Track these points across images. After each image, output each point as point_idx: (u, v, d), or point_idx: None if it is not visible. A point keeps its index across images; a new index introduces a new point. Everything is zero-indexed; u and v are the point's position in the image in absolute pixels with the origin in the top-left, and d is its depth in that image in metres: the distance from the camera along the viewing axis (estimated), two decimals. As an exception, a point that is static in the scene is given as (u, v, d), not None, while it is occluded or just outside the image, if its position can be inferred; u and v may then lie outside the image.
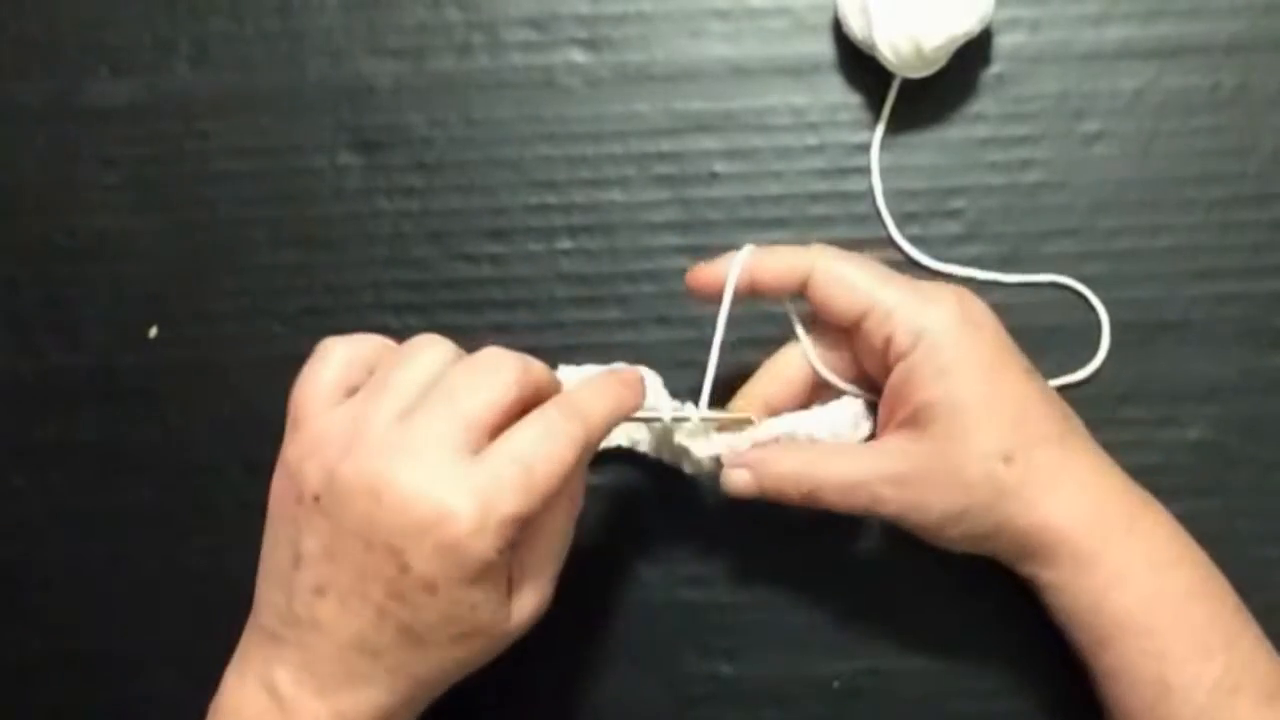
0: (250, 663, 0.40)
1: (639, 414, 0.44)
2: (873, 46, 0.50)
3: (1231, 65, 0.51)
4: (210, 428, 0.52)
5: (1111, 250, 0.51)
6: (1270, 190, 0.51)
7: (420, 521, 0.37)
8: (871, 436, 0.46)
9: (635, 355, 0.50)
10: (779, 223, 0.52)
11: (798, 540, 0.49)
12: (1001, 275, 0.51)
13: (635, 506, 0.51)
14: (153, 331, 0.53)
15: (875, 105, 0.52)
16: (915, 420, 0.43)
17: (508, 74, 0.53)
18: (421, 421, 0.38)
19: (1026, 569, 0.44)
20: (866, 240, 0.51)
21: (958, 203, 0.52)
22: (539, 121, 0.53)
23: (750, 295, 0.45)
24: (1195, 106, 0.51)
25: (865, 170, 0.52)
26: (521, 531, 0.39)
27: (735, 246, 0.50)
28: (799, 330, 0.46)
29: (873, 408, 0.46)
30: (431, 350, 0.41)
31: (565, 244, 0.52)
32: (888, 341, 0.43)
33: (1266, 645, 0.43)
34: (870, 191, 0.52)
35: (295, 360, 0.42)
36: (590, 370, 0.49)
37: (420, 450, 0.38)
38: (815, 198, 0.52)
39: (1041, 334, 0.48)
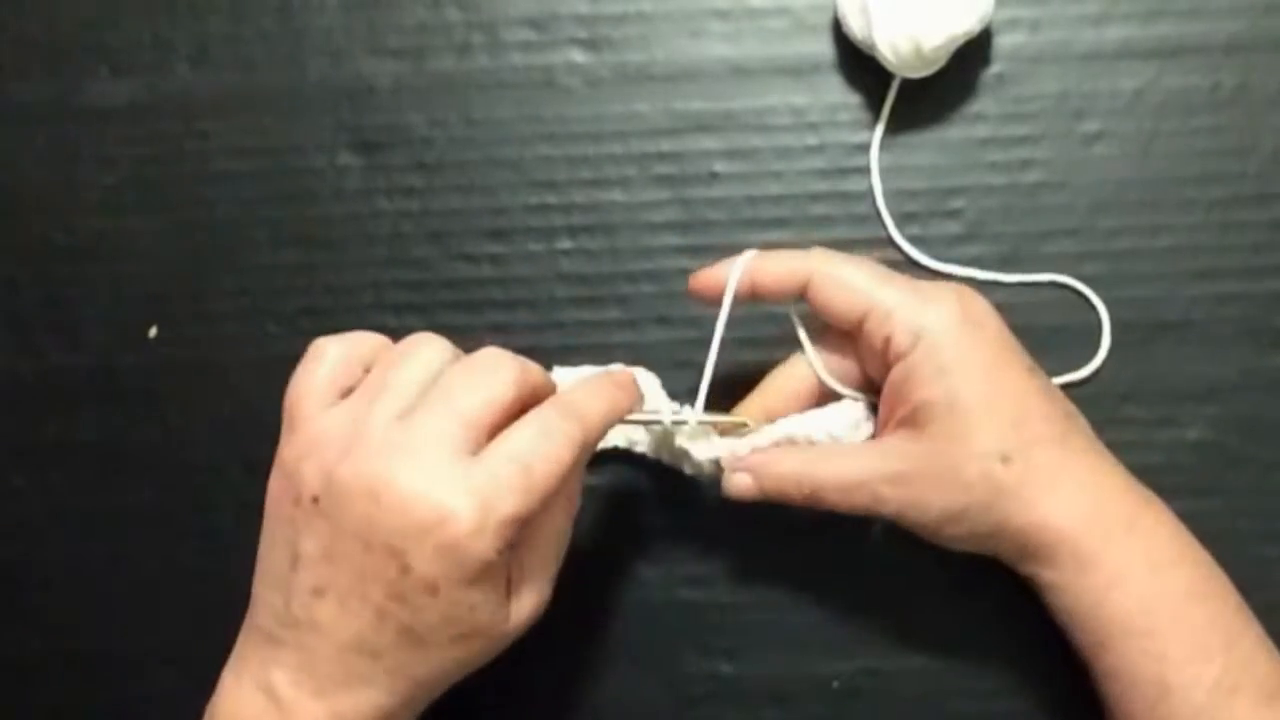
0: (247, 664, 0.40)
1: (636, 416, 0.45)
2: (873, 46, 0.50)
3: (1231, 65, 0.51)
4: (210, 428, 0.52)
5: (1111, 250, 0.51)
6: (1270, 190, 0.51)
7: (420, 522, 0.37)
8: (872, 438, 0.46)
9: (635, 355, 0.50)
10: (779, 223, 0.52)
11: (798, 540, 0.49)
12: (1001, 275, 0.51)
13: (635, 506, 0.51)
14: (153, 331, 0.53)
15: (875, 105, 0.52)
16: (914, 419, 0.43)
17: (508, 74, 0.53)
18: (420, 422, 0.38)
19: (1027, 569, 0.44)
20: (866, 240, 0.51)
21: (958, 203, 0.52)
22: (539, 121, 0.53)
23: (751, 299, 0.45)
24: (1195, 106, 0.51)
25: (865, 170, 0.52)
26: (521, 531, 0.39)
27: (735, 246, 0.50)
28: (802, 335, 0.46)
29: (873, 409, 0.46)
30: (429, 349, 0.41)
31: (565, 244, 0.52)
32: (887, 342, 0.43)
33: (1268, 645, 0.43)
34: (870, 191, 0.52)
35: (294, 360, 0.42)
36: (587, 371, 0.49)
37: (419, 451, 0.38)
38: (815, 198, 0.52)
39: (1041, 334, 0.48)
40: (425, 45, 0.54)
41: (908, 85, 0.51)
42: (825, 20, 0.53)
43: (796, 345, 0.47)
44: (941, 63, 0.50)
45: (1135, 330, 0.50)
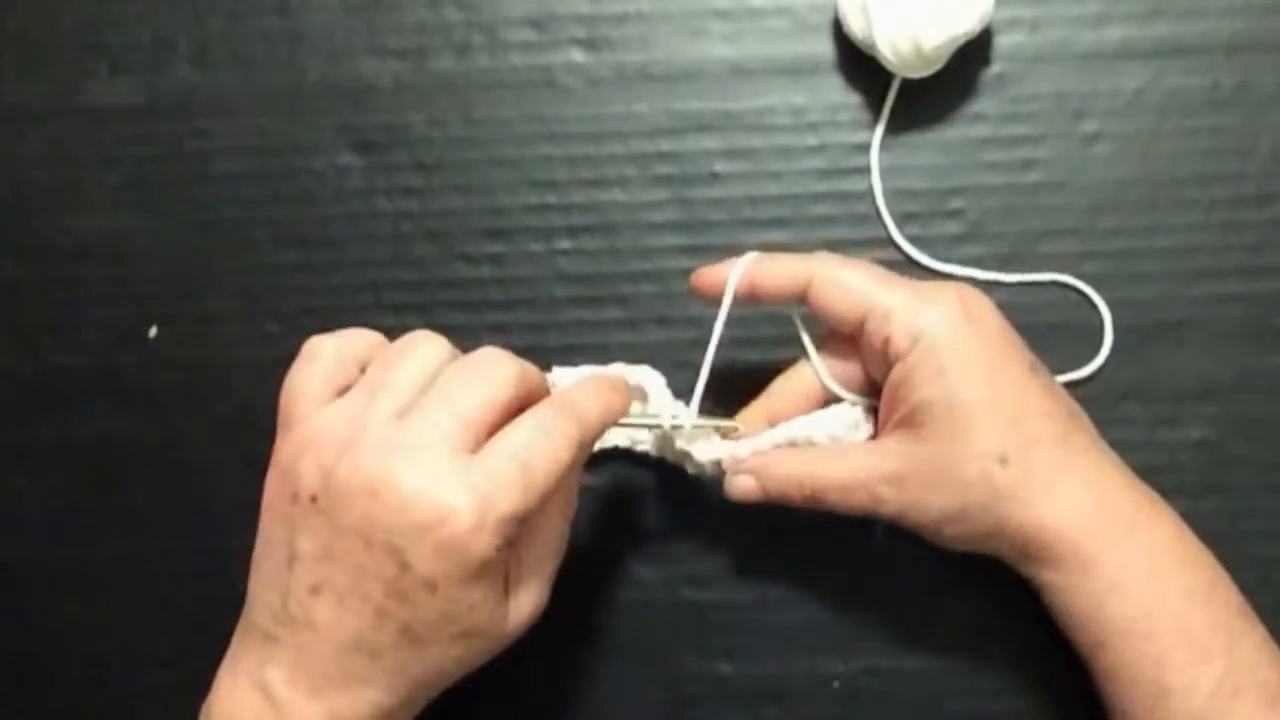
0: (242, 663, 0.40)
1: (632, 420, 0.45)
2: (873, 46, 0.50)
3: (1231, 65, 0.51)
4: (210, 428, 0.52)
5: (1111, 250, 0.51)
6: (1270, 190, 0.51)
7: (420, 520, 0.37)
8: (873, 439, 0.46)
9: (635, 355, 0.50)
10: (779, 223, 0.52)
11: (798, 540, 0.49)
12: (1002, 275, 0.51)
13: (635, 506, 0.51)
14: (153, 331, 0.53)
15: (875, 105, 0.52)
16: (913, 420, 0.43)
17: (508, 74, 0.53)
18: (419, 419, 0.38)
19: (1026, 569, 0.44)
20: (866, 240, 0.51)
21: (958, 203, 0.52)
22: (539, 121, 0.53)
23: (751, 300, 0.45)
24: (1195, 106, 0.51)
25: (865, 170, 0.52)
26: (520, 529, 0.39)
27: (735, 246, 0.50)
28: (805, 338, 0.46)
29: (873, 411, 0.46)
30: (427, 347, 0.41)
31: (565, 244, 0.52)
32: (887, 343, 0.43)
33: (1271, 648, 0.43)
34: (870, 191, 0.52)
35: (294, 360, 0.42)
36: (586, 371, 0.49)
37: (419, 449, 0.38)
38: (815, 198, 0.52)
39: (1041, 334, 0.48)
40: (425, 45, 0.54)
41: (908, 85, 0.51)
42: (825, 20, 0.53)
43: (797, 345, 0.47)
44: (941, 63, 0.50)
45: (1135, 330, 0.50)
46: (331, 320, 0.51)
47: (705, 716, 0.50)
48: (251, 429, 0.51)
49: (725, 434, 0.47)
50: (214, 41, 0.54)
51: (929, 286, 0.44)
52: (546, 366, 0.49)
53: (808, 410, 0.46)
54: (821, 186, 0.52)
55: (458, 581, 0.38)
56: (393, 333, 0.43)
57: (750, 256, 0.45)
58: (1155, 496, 0.44)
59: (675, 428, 0.46)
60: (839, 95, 0.52)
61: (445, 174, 0.53)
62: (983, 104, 0.52)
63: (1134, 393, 0.50)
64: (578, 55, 0.53)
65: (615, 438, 0.50)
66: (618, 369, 0.49)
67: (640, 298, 0.52)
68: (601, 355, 0.51)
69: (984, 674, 0.49)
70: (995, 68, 0.52)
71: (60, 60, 0.54)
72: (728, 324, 0.46)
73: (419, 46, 0.54)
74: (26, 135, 0.54)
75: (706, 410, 0.47)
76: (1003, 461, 0.42)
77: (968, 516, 0.43)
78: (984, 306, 0.44)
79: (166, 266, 0.53)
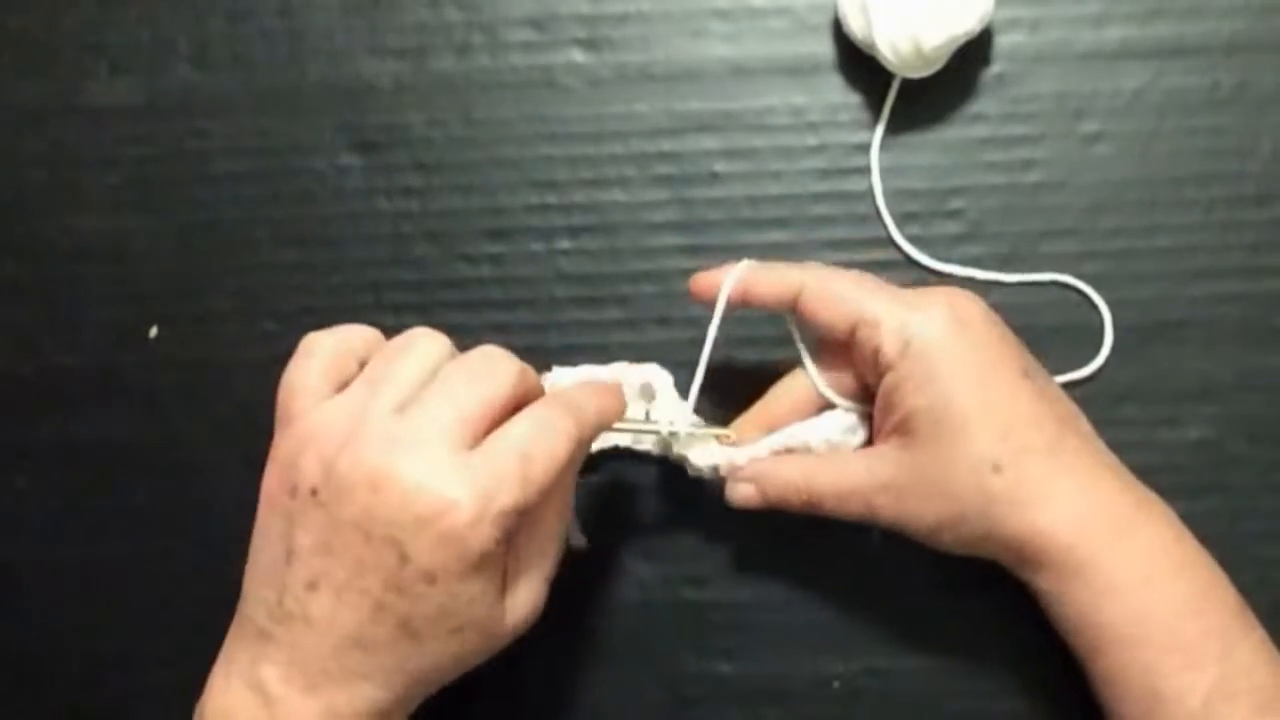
0: (236, 662, 0.40)
1: (628, 426, 0.46)
2: (873, 46, 0.50)
3: (1231, 65, 0.51)
4: (210, 428, 0.52)
5: (1111, 250, 0.51)
6: (1270, 190, 0.51)
7: (421, 513, 0.37)
8: (868, 443, 0.46)
9: (635, 355, 0.50)
10: (779, 223, 0.52)
11: (798, 540, 0.49)
12: (1002, 275, 0.51)
13: (635, 507, 0.51)
14: (153, 331, 0.53)
15: (875, 105, 0.52)
16: (905, 427, 0.43)
17: (508, 74, 0.53)
18: (420, 414, 0.39)
19: (1023, 574, 0.44)
20: (866, 240, 0.51)
21: (958, 203, 0.52)
22: (539, 121, 0.53)
23: (744, 306, 0.46)
24: (1195, 106, 0.51)
25: (865, 170, 0.52)
26: (519, 523, 0.39)
27: (735, 246, 0.50)
28: (800, 344, 0.47)
29: (868, 417, 0.46)
30: (428, 343, 0.41)
31: (565, 244, 0.52)
32: (877, 351, 0.43)
33: (1268, 650, 0.42)
34: (870, 191, 0.52)
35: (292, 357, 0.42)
36: (586, 370, 0.49)
37: (420, 442, 0.38)
38: (815, 198, 0.52)
39: (1041, 334, 0.48)
40: (425, 45, 0.54)
41: (908, 85, 0.51)
42: (825, 20, 0.53)
43: (795, 348, 0.47)
44: (941, 63, 0.50)
45: (1135, 330, 0.50)
46: (331, 320, 0.51)
47: (705, 716, 0.50)
48: (251, 428, 0.51)
49: (724, 439, 0.47)
50: (214, 41, 0.54)
51: (918, 293, 0.44)
52: (546, 366, 0.49)
53: (804, 416, 0.47)
54: (821, 186, 0.52)
55: (457, 574, 0.38)
56: (393, 332, 0.43)
57: (744, 264, 0.46)
58: (1152, 498, 0.44)
59: (672, 434, 0.46)
60: (839, 95, 0.52)
61: (445, 174, 0.53)
62: (983, 104, 0.52)
63: (1134, 393, 0.50)
64: (578, 55, 0.53)
65: (616, 437, 0.50)
66: (622, 368, 0.49)
67: (640, 298, 0.52)
68: (601, 355, 0.51)
69: (984, 674, 0.49)
70: (995, 68, 0.52)
71: (60, 60, 0.54)
72: (727, 324, 0.46)
73: (419, 46, 0.54)
74: (26, 135, 0.54)
75: (706, 411, 0.48)
76: (995, 469, 0.42)
77: (962, 523, 0.43)
78: (975, 311, 0.44)
79: (166, 266, 0.53)
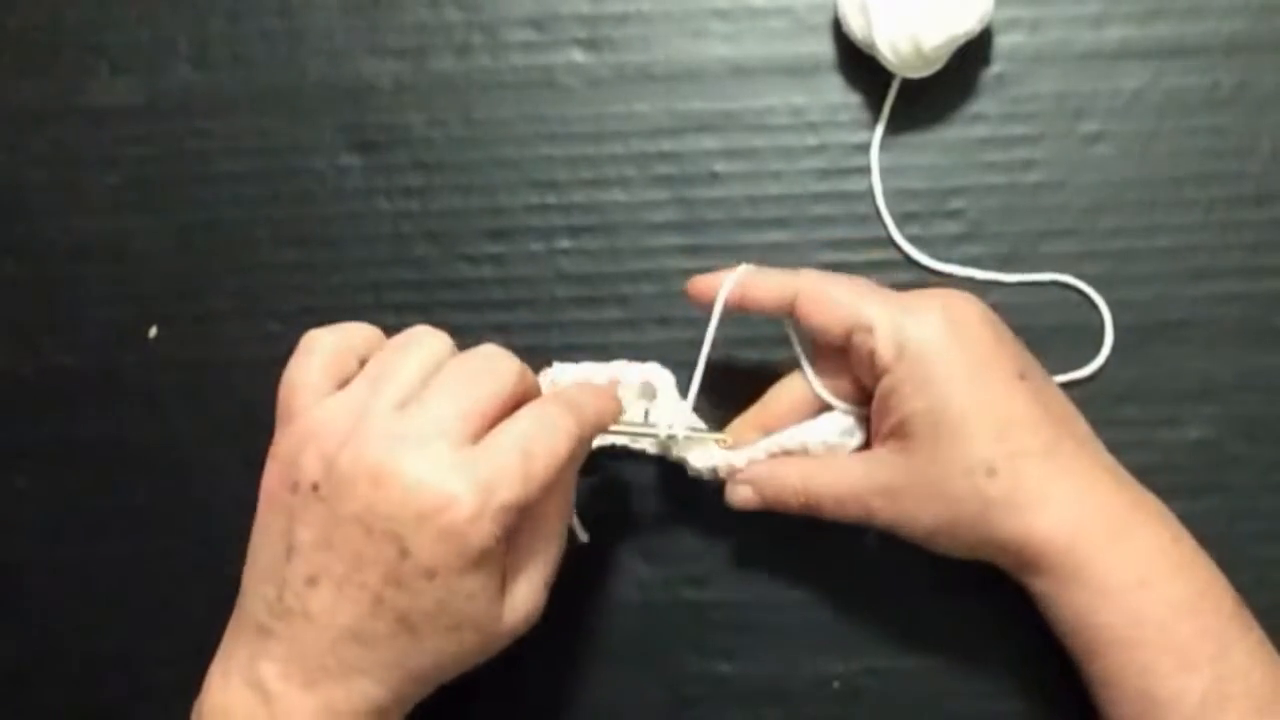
0: (235, 659, 0.40)
1: (626, 429, 0.46)
2: (873, 46, 0.50)
3: (1231, 65, 0.51)
4: (210, 428, 0.52)
5: (1111, 250, 0.51)
6: (1270, 190, 0.51)
7: (422, 508, 0.37)
8: (864, 446, 0.47)
9: (635, 355, 0.50)
10: (779, 223, 0.52)
11: (798, 540, 0.49)
12: (1001, 275, 0.51)
13: (635, 506, 0.51)
14: (153, 331, 0.53)
15: (875, 105, 0.52)
16: (901, 431, 0.44)
17: (508, 74, 0.53)
18: (421, 411, 0.39)
19: (1020, 577, 0.44)
20: (866, 240, 0.51)
21: (958, 203, 0.52)
22: (539, 121, 0.53)
23: (741, 311, 0.46)
24: (1195, 106, 0.51)
25: (865, 170, 0.52)
26: (519, 520, 0.39)
27: (735, 246, 0.51)
28: (798, 349, 0.47)
29: (865, 419, 0.47)
30: (429, 341, 0.41)
31: (565, 244, 0.52)
32: (872, 355, 0.44)
33: (1266, 652, 0.42)
34: (870, 191, 0.52)
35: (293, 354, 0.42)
36: (587, 367, 0.49)
37: (421, 438, 0.38)
38: (815, 198, 0.52)
39: (1041, 334, 0.48)
40: (425, 45, 0.54)
41: (908, 85, 0.51)
42: (825, 20, 0.53)
43: (794, 349, 0.47)
44: (941, 63, 0.50)
45: (1135, 330, 0.50)
46: (332, 320, 0.51)
47: (705, 716, 0.50)
48: (251, 428, 0.51)
49: (718, 444, 0.47)
50: (214, 41, 0.54)
51: (914, 296, 0.44)
52: (547, 363, 0.49)
53: (802, 418, 0.47)
54: (821, 186, 0.52)
55: (457, 570, 0.38)
56: (394, 333, 0.43)
57: (742, 269, 0.46)
58: (1149, 499, 0.44)
59: (670, 437, 0.46)
60: (839, 95, 0.52)
61: (445, 174, 0.53)
62: (983, 104, 0.52)
63: (1133, 393, 0.50)
64: (578, 55, 0.53)
65: (615, 439, 0.49)
66: (623, 366, 0.49)
67: (640, 298, 0.52)
68: (601, 355, 0.51)
69: (983, 674, 0.49)
70: (995, 68, 0.52)
71: (60, 60, 0.54)
72: (726, 324, 0.46)
73: (419, 46, 0.54)
74: (26, 135, 0.54)
75: (705, 411, 0.48)
76: (990, 472, 0.42)
77: (958, 527, 0.43)
78: (972, 313, 0.44)
79: (166, 266, 0.53)
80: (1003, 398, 0.43)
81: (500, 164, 0.53)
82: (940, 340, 0.43)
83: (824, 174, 0.52)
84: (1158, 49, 0.52)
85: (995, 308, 0.45)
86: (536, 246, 0.52)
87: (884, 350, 0.43)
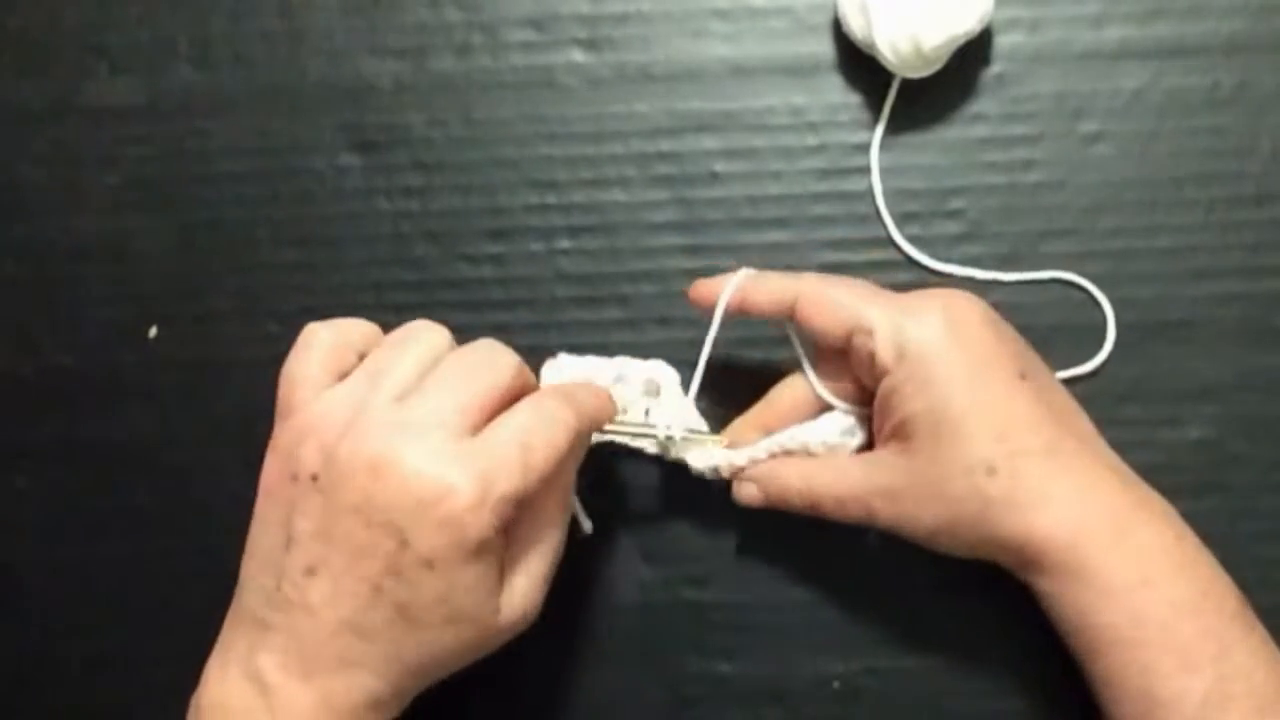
0: (233, 652, 0.40)
1: (625, 429, 0.46)
2: (873, 46, 0.50)
3: (1231, 65, 0.51)
4: (210, 428, 0.52)
5: (1111, 250, 0.51)
6: (1270, 190, 0.51)
7: (422, 498, 0.38)
8: (866, 446, 0.47)
9: (635, 355, 0.50)
10: (779, 223, 0.52)
11: (798, 540, 0.49)
12: (1002, 274, 0.51)
13: (635, 506, 0.51)
14: (153, 331, 0.53)
15: (875, 105, 0.52)
16: (902, 433, 0.44)
17: (508, 74, 0.53)
18: (421, 403, 0.39)
19: (1022, 576, 0.44)
20: (866, 240, 0.51)
21: (958, 203, 0.52)
22: (539, 121, 0.53)
23: (743, 315, 0.46)
24: (1195, 106, 0.51)
25: (865, 170, 0.52)
26: (517, 512, 0.39)
27: (735, 246, 0.51)
28: (799, 350, 0.47)
29: (866, 419, 0.47)
30: (429, 336, 0.42)
31: (565, 244, 0.52)
32: (872, 358, 0.44)
33: (1268, 651, 0.42)
34: (870, 191, 0.52)
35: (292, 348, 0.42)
36: (591, 360, 0.49)
37: (420, 430, 0.38)
38: (815, 198, 0.52)
39: (1043, 333, 0.48)
40: (425, 45, 0.54)
41: (908, 85, 0.51)
42: (825, 20, 0.53)
43: (795, 350, 0.47)
44: (941, 63, 0.50)
45: (1135, 330, 0.50)
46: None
47: (705, 716, 0.50)
48: (251, 428, 0.51)
49: (715, 444, 0.47)
50: (214, 41, 0.54)
51: (915, 297, 0.44)
52: (551, 357, 0.49)
53: (803, 418, 0.47)
54: (821, 186, 0.52)
55: (455, 561, 0.38)
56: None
57: (742, 273, 0.46)
58: (1153, 497, 0.44)
59: (669, 439, 0.46)
60: (839, 95, 0.52)
61: (445, 174, 0.53)
62: (983, 104, 0.52)
63: (1133, 393, 0.50)
64: (578, 55, 0.53)
65: (615, 438, 0.49)
66: (626, 361, 0.49)
67: (640, 298, 0.52)
68: (602, 355, 0.51)
69: (984, 674, 0.49)
70: (995, 68, 0.52)
71: (60, 60, 0.54)
72: (727, 324, 0.46)
73: (419, 46, 0.54)
74: (26, 135, 0.54)
75: (706, 411, 0.48)
76: (990, 471, 0.42)
77: (959, 528, 0.43)
78: (971, 314, 0.44)
79: (166, 266, 0.53)
80: (1003, 398, 0.43)
81: (500, 164, 0.53)
82: (940, 341, 0.43)
83: (824, 174, 0.52)
84: (1158, 49, 0.52)
85: (996, 307, 0.45)
86: (536, 246, 0.52)
87: (884, 352, 0.43)
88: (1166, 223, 0.51)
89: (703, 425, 0.48)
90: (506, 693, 0.50)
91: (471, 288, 0.52)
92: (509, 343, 0.42)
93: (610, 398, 0.46)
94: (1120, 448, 0.45)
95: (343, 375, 0.41)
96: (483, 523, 0.38)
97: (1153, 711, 0.41)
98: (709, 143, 0.52)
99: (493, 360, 0.41)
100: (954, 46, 0.50)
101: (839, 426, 0.46)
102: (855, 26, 0.50)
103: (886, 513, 0.44)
